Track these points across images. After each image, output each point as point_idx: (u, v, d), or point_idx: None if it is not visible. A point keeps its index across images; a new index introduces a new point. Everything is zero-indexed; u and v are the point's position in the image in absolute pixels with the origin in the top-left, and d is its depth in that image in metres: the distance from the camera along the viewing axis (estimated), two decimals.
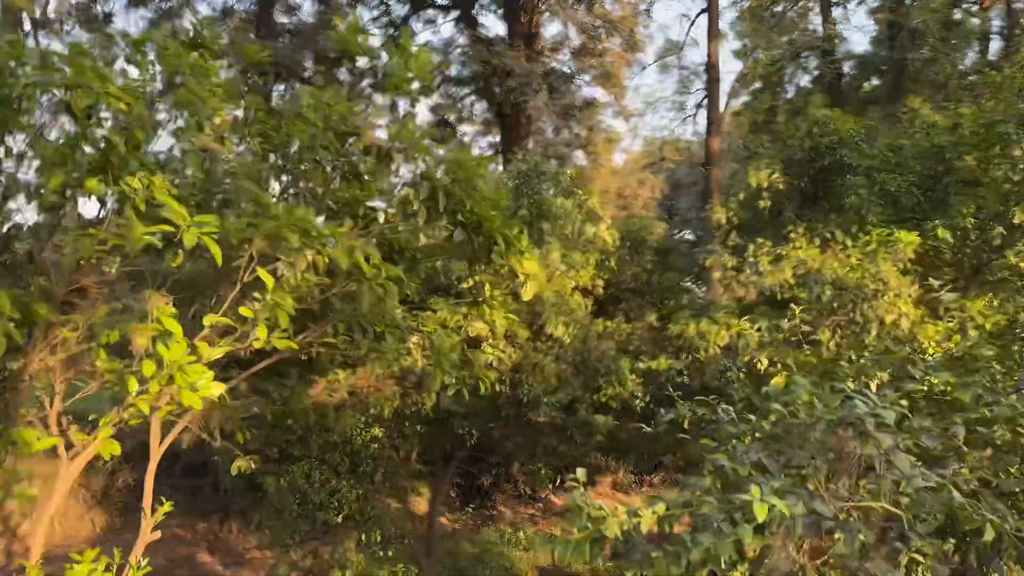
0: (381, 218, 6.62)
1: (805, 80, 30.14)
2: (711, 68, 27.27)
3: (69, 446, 5.47)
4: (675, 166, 27.57)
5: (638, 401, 12.06)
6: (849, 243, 9.92)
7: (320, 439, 11.30)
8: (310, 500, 10.99)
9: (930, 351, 8.50)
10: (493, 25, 29.41)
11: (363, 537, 11.08)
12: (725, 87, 30.93)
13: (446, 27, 31.50)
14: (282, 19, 22.90)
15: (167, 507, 7.05)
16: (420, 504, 15.60)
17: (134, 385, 4.81)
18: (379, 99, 6.52)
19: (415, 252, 7.26)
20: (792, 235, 10.66)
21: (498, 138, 25.83)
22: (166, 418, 6.46)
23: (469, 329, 8.33)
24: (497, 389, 11.06)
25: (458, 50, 26.81)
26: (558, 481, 16.82)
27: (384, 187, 6.51)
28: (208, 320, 5.08)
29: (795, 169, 11.86)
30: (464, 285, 8.42)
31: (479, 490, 16.44)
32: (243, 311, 4.96)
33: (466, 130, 31.67)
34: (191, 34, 6.50)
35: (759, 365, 9.44)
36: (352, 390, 11.84)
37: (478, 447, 13.48)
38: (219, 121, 6.37)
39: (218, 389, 5.06)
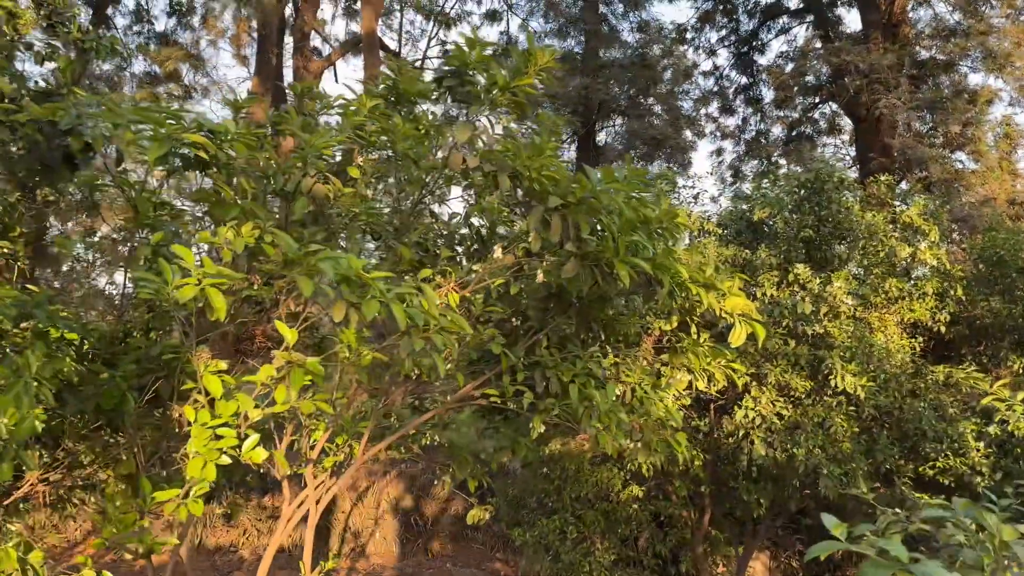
0: (497, 252, 5.61)
1: None
2: None
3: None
4: None
5: (980, 480, 8.78)
6: None
7: (573, 492, 10.34)
8: (561, 559, 10.07)
9: None
10: (852, 22, 25.59)
11: None
12: None
13: (802, 33, 28.45)
14: (610, 53, 22.74)
15: (331, 564, 6.86)
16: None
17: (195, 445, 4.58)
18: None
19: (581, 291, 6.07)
20: None
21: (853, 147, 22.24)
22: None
23: (673, 382, 6.74)
24: (761, 454, 8.98)
25: (809, 55, 23.92)
26: None
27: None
28: (257, 378, 4.65)
29: None
30: (666, 327, 6.87)
31: (829, 562, 13.94)
32: (265, 369, 4.41)
33: (828, 142, 28.15)
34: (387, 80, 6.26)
35: None
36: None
37: (782, 513, 11.24)
38: (362, 161, 6.06)
39: (260, 456, 4.58)
